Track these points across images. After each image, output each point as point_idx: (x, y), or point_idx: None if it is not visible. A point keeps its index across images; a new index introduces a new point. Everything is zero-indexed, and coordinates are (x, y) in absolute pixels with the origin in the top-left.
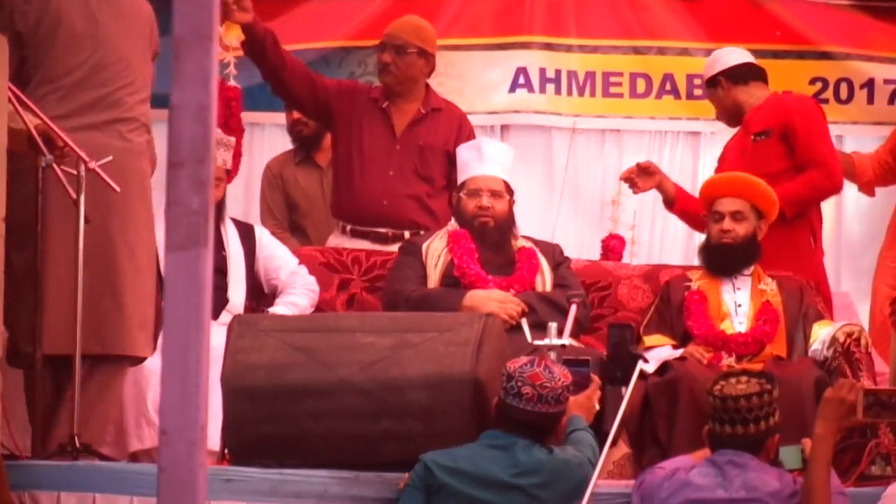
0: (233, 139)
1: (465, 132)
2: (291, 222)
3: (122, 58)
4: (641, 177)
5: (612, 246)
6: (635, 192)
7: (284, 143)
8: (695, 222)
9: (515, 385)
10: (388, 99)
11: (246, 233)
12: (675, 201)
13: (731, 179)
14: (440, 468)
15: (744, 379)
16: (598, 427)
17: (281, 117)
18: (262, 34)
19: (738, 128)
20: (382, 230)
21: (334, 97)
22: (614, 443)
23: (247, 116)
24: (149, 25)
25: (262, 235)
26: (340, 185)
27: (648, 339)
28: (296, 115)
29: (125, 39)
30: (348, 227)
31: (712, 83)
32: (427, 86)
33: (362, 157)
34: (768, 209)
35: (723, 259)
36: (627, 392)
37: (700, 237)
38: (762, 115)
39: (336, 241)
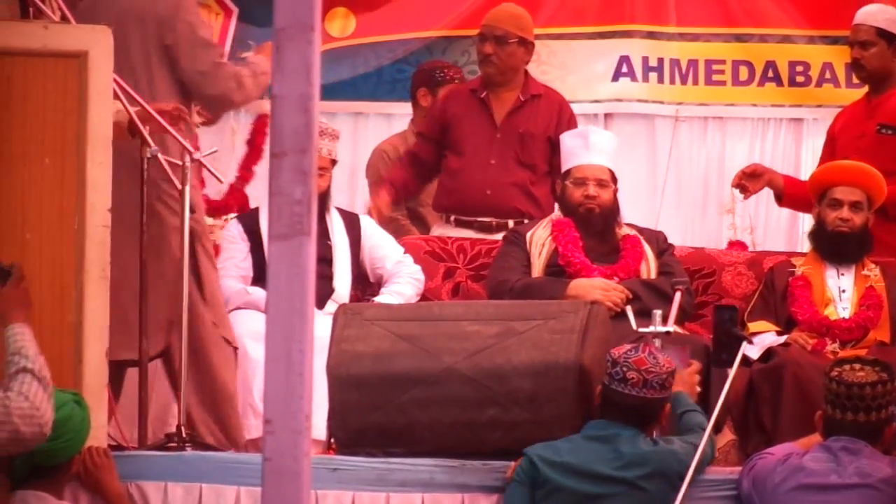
0: (338, 129)
1: (565, 117)
2: (409, 210)
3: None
4: (750, 180)
5: None
6: (746, 198)
7: (389, 132)
8: (807, 207)
9: (621, 370)
10: (486, 88)
11: (351, 222)
12: (785, 196)
13: (853, 169)
14: (544, 462)
15: (858, 366)
16: (703, 410)
17: (384, 106)
18: (402, 196)
19: (860, 100)
20: (486, 219)
21: (444, 125)
22: (718, 427)
23: (351, 106)
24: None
25: (368, 225)
26: (442, 177)
27: (753, 326)
28: None
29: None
30: (452, 217)
31: (890, 39)
32: (526, 72)
33: (463, 147)
34: (879, 200)
35: (839, 247)
36: (731, 374)
37: (805, 223)
38: (894, 106)
39: (440, 231)
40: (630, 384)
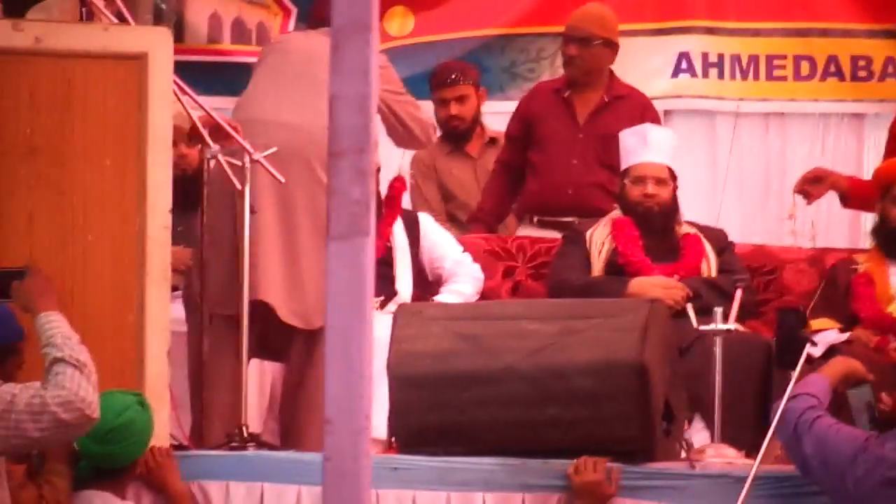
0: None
1: (648, 118)
2: (447, 213)
3: None
4: (813, 185)
5: None
6: (809, 203)
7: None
8: (872, 207)
9: None
10: (570, 88)
11: (410, 222)
12: (849, 198)
13: None
14: None
15: None
16: (764, 411)
17: None
18: (497, 223)
19: None
20: (568, 219)
21: (527, 124)
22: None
23: None
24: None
25: (427, 223)
26: (528, 178)
27: (815, 323)
28: (453, 111)
29: None
30: (535, 218)
31: None
32: (611, 73)
33: (546, 147)
34: None
35: None
36: (794, 376)
37: (868, 219)
38: None
39: (525, 232)
40: None
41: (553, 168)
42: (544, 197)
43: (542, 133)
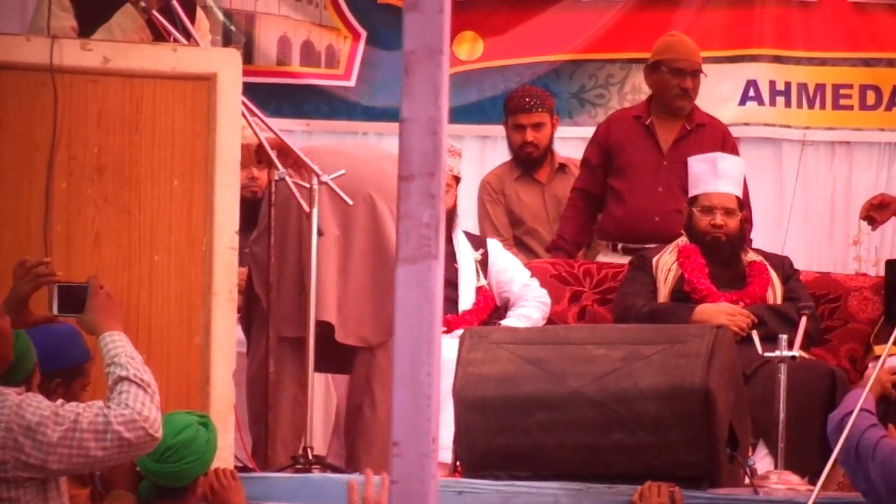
0: (458, 146)
1: (728, 146)
2: (515, 238)
3: None
4: (878, 211)
5: None
6: (874, 228)
7: None
8: None
9: None
10: (651, 116)
11: (478, 245)
12: None
13: None
14: None
15: None
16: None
17: None
18: (578, 250)
19: None
20: (653, 246)
21: (608, 152)
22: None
23: (478, 129)
24: None
25: (495, 248)
26: (610, 205)
27: (879, 349)
28: (529, 137)
29: None
30: (619, 246)
31: None
32: None
33: (630, 174)
34: None
35: None
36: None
37: None
38: None
39: (608, 259)
40: None
41: (639, 195)
42: (630, 224)
43: (626, 160)
